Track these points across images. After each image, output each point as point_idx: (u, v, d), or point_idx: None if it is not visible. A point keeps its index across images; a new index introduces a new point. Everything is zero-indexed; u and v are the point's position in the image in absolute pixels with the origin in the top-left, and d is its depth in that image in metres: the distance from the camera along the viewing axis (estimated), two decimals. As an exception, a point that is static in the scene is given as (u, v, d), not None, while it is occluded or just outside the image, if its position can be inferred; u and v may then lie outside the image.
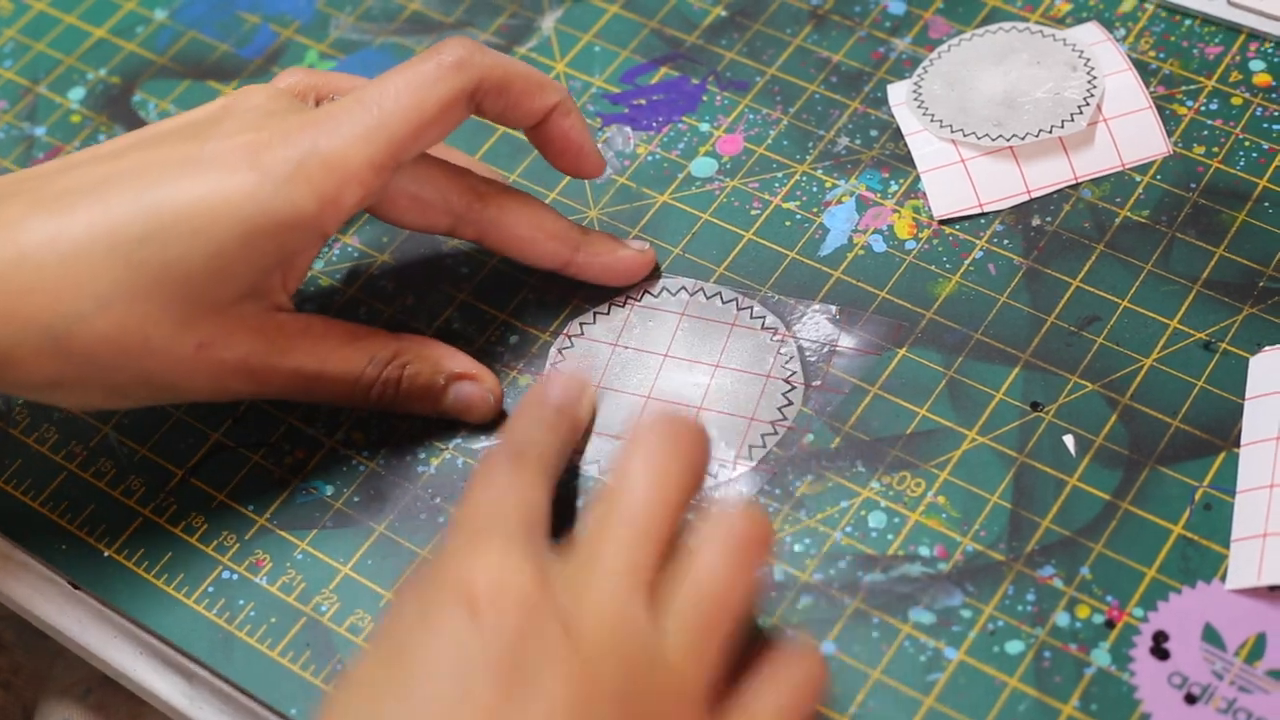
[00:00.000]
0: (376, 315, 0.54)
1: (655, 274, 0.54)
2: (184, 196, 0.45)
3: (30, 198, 0.46)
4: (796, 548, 0.48)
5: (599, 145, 0.56)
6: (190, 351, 0.46)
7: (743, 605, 0.41)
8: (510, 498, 0.42)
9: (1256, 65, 0.57)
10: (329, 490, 0.51)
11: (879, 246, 0.54)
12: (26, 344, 0.45)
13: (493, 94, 0.49)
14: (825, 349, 0.52)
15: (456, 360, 0.50)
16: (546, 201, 0.56)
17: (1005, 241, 0.53)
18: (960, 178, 0.54)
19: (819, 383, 0.51)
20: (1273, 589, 0.46)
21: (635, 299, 0.53)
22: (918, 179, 0.55)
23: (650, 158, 0.57)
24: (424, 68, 0.48)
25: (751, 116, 0.58)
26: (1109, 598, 0.46)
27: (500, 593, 0.38)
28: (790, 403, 0.50)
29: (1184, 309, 0.51)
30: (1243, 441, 0.48)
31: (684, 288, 0.53)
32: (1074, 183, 0.54)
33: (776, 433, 0.50)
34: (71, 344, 0.45)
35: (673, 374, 0.51)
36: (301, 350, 0.48)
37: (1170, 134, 0.55)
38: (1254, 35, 0.57)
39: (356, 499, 0.50)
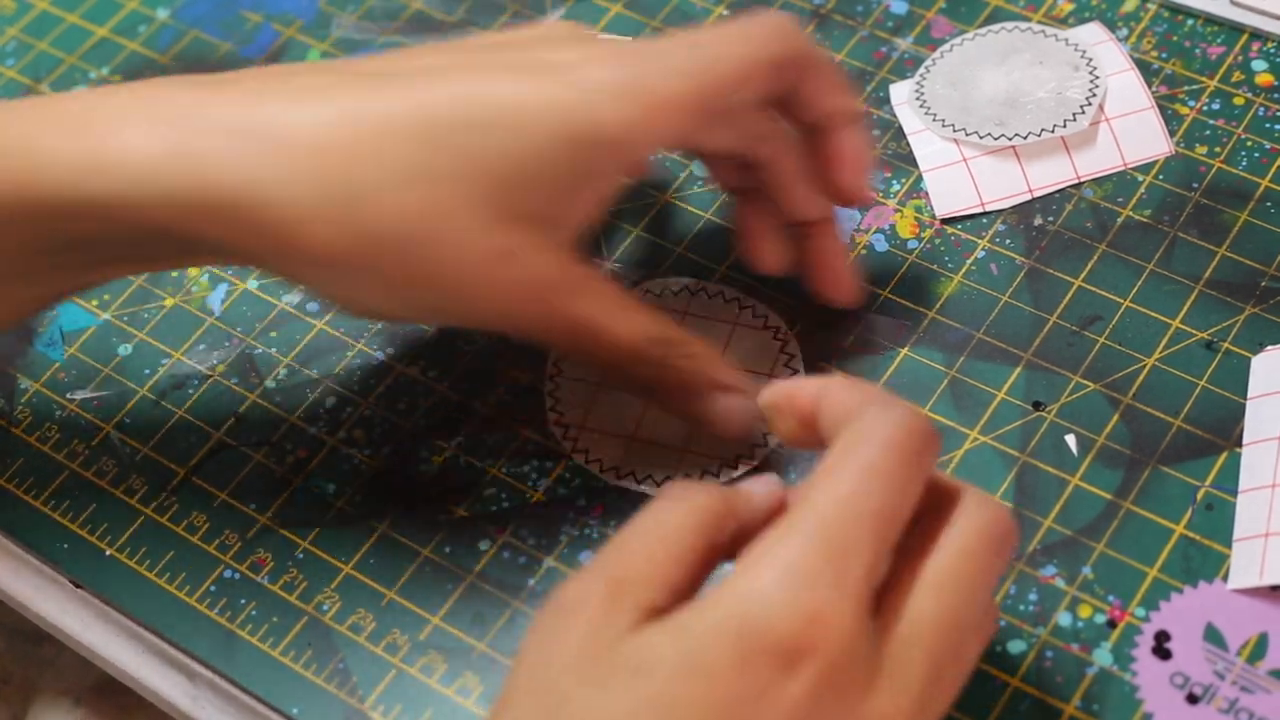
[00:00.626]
0: (378, 314, 0.54)
1: (658, 271, 0.54)
2: (506, 94, 0.42)
3: (337, 75, 0.44)
4: (798, 547, 0.48)
5: None
6: (488, 258, 0.42)
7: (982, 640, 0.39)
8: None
9: (1259, 65, 0.57)
10: (331, 489, 0.51)
11: (881, 246, 0.54)
12: (313, 206, 0.41)
13: (802, 72, 0.47)
14: (828, 348, 0.52)
15: (726, 369, 0.47)
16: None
17: (1007, 241, 0.53)
18: (962, 177, 0.54)
19: None
20: (1275, 589, 0.46)
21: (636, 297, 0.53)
22: (920, 179, 0.55)
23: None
24: (749, 27, 0.46)
25: (753, 116, 0.58)
26: (1111, 597, 0.46)
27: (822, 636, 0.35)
28: None
29: (1186, 309, 0.51)
30: (1245, 441, 0.48)
31: (686, 286, 0.53)
32: (1076, 182, 0.54)
33: None
34: (363, 215, 0.41)
35: None
36: (589, 298, 0.44)
37: (1172, 134, 0.55)
38: (1256, 35, 0.57)
39: (358, 498, 0.50)
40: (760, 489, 0.41)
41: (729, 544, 0.40)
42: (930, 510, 0.39)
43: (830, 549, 0.36)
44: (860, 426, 0.39)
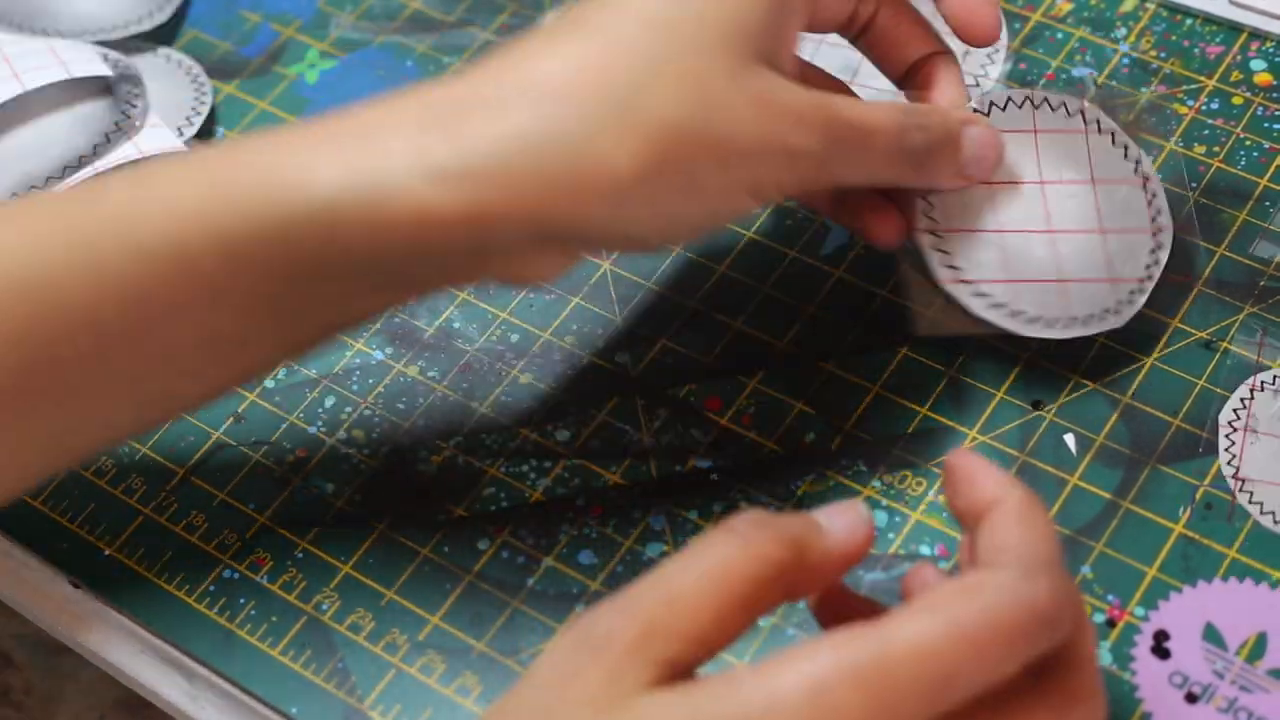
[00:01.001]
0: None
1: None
2: None
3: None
4: (797, 547, 0.48)
5: None
6: (759, 102, 0.42)
7: None
8: None
9: (1257, 64, 0.57)
10: (330, 489, 0.51)
11: (880, 246, 0.54)
12: (598, 120, 0.40)
13: None
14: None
15: (964, 111, 0.48)
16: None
17: (1006, 241, 0.53)
18: None
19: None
20: (1275, 588, 0.46)
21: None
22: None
23: None
24: None
25: (752, 115, 0.58)
26: (1110, 597, 0.46)
27: None
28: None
29: (1185, 308, 0.51)
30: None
31: (1028, 98, 0.51)
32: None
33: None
34: (643, 115, 0.40)
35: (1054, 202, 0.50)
36: (844, 102, 0.44)
37: (1171, 133, 0.55)
38: (1255, 34, 0.57)
39: (358, 498, 0.50)
40: (840, 525, 0.38)
41: (786, 591, 0.37)
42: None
43: (870, 696, 0.33)
44: (988, 580, 0.35)
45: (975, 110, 0.50)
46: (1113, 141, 0.51)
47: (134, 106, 0.58)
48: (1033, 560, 0.36)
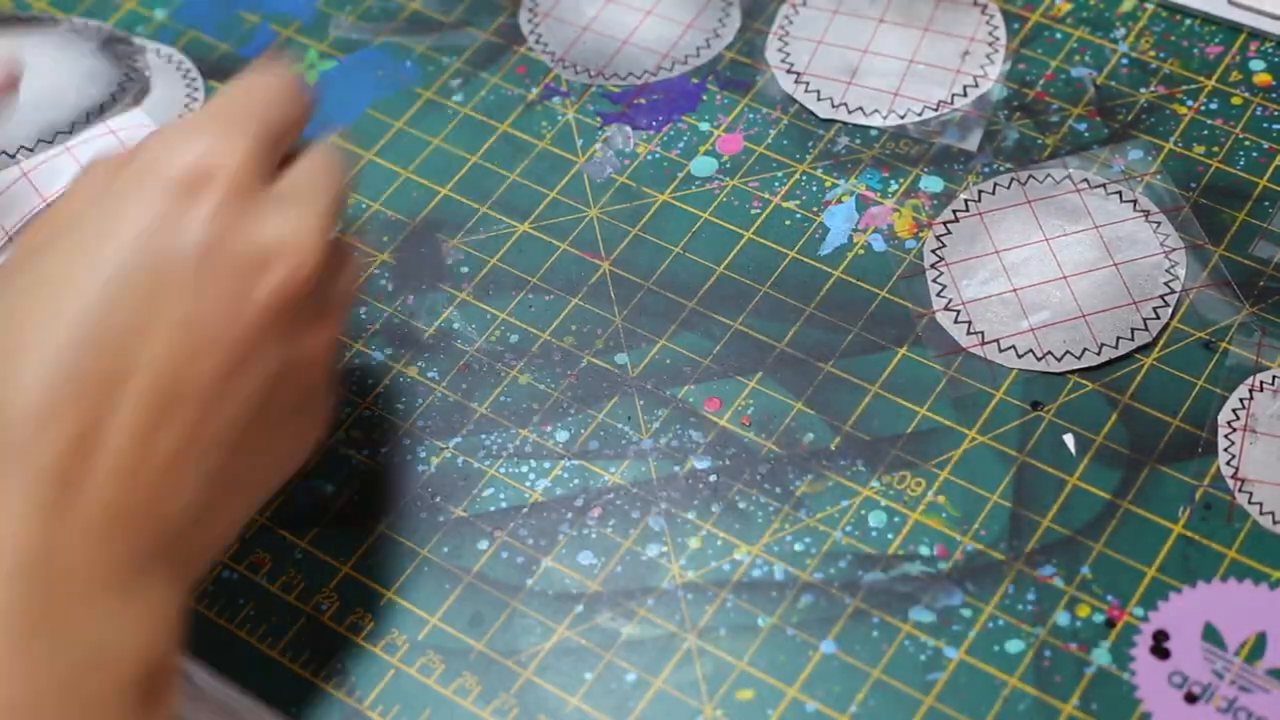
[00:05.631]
0: (376, 315, 0.54)
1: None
2: None
3: None
4: (797, 547, 0.48)
5: (599, 145, 0.56)
6: None
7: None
8: (258, 99, 0.44)
9: (1256, 65, 0.57)
10: (329, 489, 0.51)
11: (879, 245, 0.54)
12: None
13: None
14: None
15: None
16: (547, 200, 0.56)
17: (1005, 241, 0.53)
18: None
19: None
20: (1274, 588, 0.46)
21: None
22: (918, 178, 0.55)
23: (650, 157, 0.57)
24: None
25: (751, 116, 0.58)
26: (1109, 597, 0.46)
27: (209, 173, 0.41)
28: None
29: (1184, 308, 0.51)
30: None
31: (1014, 179, 0.54)
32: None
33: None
34: None
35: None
36: None
37: (1170, 133, 0.55)
38: (1254, 35, 0.57)
39: (357, 498, 0.50)
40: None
41: None
42: None
43: (220, 115, 0.43)
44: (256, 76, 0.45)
45: (965, 200, 0.54)
46: (1105, 191, 0.53)
47: (134, 61, 0.60)
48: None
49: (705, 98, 0.58)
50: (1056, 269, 0.52)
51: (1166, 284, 0.51)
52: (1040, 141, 0.56)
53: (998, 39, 0.58)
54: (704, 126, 0.58)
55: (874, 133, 0.57)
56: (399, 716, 0.46)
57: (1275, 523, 0.47)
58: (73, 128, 0.58)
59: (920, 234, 0.54)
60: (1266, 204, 0.53)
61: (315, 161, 0.44)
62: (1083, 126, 0.56)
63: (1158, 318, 0.51)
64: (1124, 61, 0.57)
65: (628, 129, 0.58)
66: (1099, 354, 0.50)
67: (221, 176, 0.41)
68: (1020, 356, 0.50)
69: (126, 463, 0.39)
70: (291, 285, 0.41)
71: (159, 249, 0.40)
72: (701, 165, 0.57)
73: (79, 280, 0.40)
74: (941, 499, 0.48)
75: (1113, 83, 0.57)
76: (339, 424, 0.52)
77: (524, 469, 0.50)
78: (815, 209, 0.55)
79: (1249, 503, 0.47)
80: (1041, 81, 0.57)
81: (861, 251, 0.54)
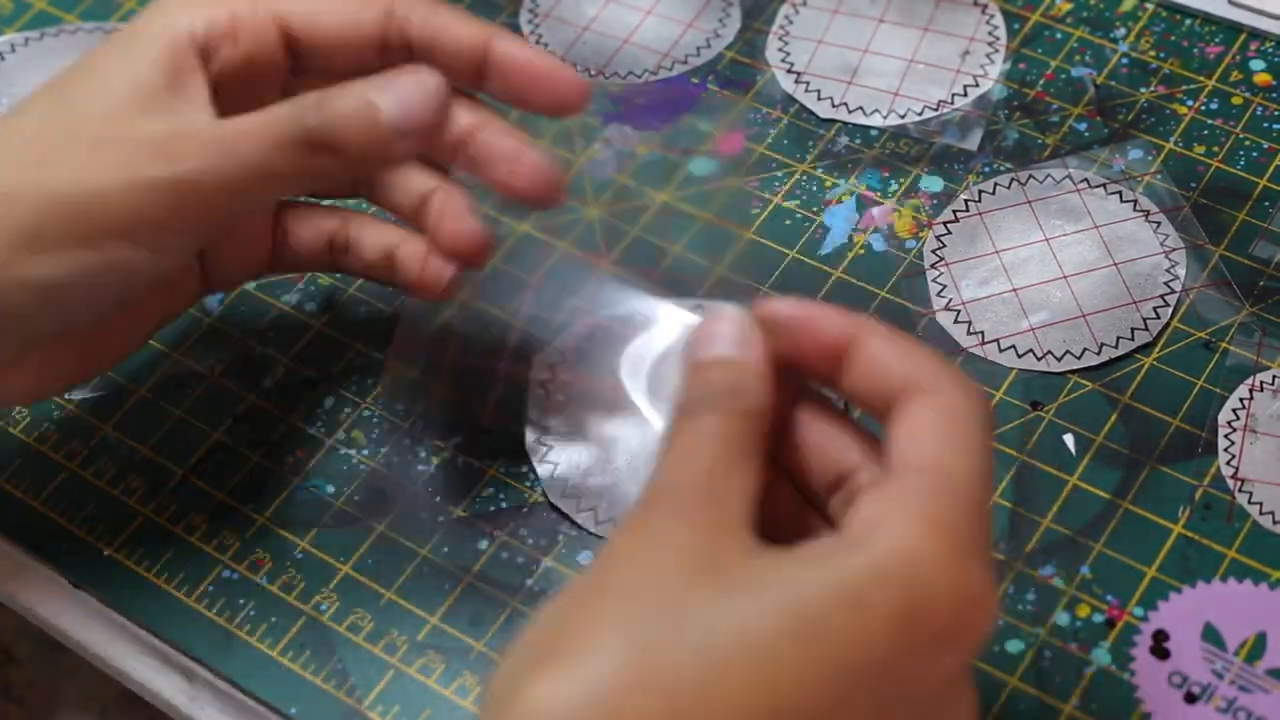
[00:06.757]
0: (377, 315, 0.54)
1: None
2: None
3: None
4: (796, 547, 0.48)
5: (599, 144, 0.56)
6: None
7: None
8: None
9: (1257, 65, 0.57)
10: (329, 489, 0.51)
11: (879, 245, 0.54)
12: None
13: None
14: None
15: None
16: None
17: (1005, 241, 0.53)
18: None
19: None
20: (1274, 588, 0.46)
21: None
22: (918, 178, 0.55)
23: (650, 157, 0.57)
24: None
25: (751, 116, 0.58)
26: (1109, 597, 0.46)
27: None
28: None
29: (1184, 308, 0.51)
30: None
31: (1014, 179, 0.53)
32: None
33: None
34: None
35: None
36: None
37: (1171, 133, 0.55)
38: (1254, 34, 0.57)
39: (357, 498, 0.50)
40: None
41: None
42: None
43: (982, 524, 0.35)
44: (961, 399, 0.36)
45: (965, 201, 0.53)
46: (1105, 191, 0.53)
47: None
48: (938, 363, 0.37)
49: (705, 98, 0.58)
50: (1057, 269, 0.52)
51: (1166, 284, 0.51)
52: (1040, 141, 0.56)
53: (998, 39, 0.58)
54: (704, 126, 0.58)
55: (874, 132, 0.57)
56: (399, 716, 0.46)
57: (1275, 523, 0.47)
58: None
59: (920, 234, 0.54)
60: (1266, 204, 0.53)
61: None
62: (1083, 126, 0.56)
63: (1158, 317, 0.51)
64: (1124, 61, 0.57)
65: (628, 129, 0.58)
66: (1099, 354, 0.50)
67: (978, 634, 0.34)
68: (1020, 356, 0.50)
69: None
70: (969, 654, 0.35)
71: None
72: (701, 165, 0.57)
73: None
74: (941, 499, 0.48)
75: (1113, 82, 0.57)
76: (339, 423, 0.52)
77: (524, 469, 0.50)
78: (815, 209, 0.55)
79: (1249, 503, 0.47)
80: (1042, 81, 0.57)
81: (862, 251, 0.54)
